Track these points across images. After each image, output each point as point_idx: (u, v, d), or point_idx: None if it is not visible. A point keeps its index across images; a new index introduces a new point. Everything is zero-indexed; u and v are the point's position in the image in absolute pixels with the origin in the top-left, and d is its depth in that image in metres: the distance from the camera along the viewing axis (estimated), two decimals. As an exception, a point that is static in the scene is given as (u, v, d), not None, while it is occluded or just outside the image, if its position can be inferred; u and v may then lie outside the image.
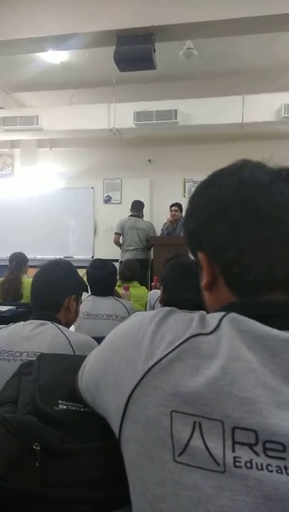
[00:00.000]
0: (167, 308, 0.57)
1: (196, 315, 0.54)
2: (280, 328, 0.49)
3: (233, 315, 0.52)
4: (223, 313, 0.53)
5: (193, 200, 0.64)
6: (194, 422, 0.46)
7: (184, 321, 0.54)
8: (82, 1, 3.75)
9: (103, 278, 2.41)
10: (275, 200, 0.55)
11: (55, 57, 5.03)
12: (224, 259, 0.57)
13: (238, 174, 0.58)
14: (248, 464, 0.43)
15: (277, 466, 0.42)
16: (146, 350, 0.52)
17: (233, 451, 0.44)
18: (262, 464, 0.43)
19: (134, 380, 0.51)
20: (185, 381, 0.48)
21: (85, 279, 2.09)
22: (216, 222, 0.58)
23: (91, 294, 2.41)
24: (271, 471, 0.42)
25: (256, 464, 0.43)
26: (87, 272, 2.38)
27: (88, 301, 2.33)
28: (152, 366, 0.50)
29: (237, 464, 0.43)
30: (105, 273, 2.43)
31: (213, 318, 0.53)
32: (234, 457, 0.43)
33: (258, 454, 0.43)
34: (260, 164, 0.61)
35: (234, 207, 0.56)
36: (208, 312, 0.63)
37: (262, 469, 0.42)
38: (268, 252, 0.54)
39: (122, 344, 0.56)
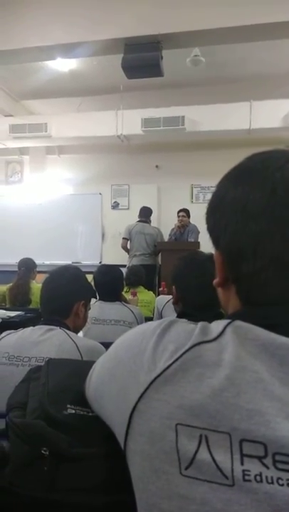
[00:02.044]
0: (170, 319, 0.57)
1: (199, 324, 0.54)
2: (288, 336, 0.48)
3: (239, 323, 0.50)
4: (227, 321, 0.52)
5: (220, 191, 0.58)
6: (200, 435, 0.45)
7: (186, 331, 0.53)
8: (90, 9, 3.80)
9: (109, 283, 2.41)
10: None
11: (63, 65, 5.09)
12: (238, 271, 0.55)
13: (273, 180, 0.52)
14: (258, 478, 0.42)
15: (288, 479, 0.41)
16: (149, 361, 0.51)
17: (242, 464, 0.43)
18: (272, 477, 0.41)
19: (137, 392, 0.50)
20: (190, 393, 0.47)
21: (92, 284, 2.09)
22: (237, 231, 0.54)
23: (98, 300, 2.42)
24: (282, 485, 0.41)
25: (266, 478, 0.42)
26: (93, 278, 2.39)
27: (96, 307, 2.34)
28: (155, 378, 0.49)
29: (246, 477, 0.42)
30: (111, 278, 2.43)
31: (217, 325, 0.52)
32: (243, 470, 0.42)
33: (267, 467, 0.42)
34: None
35: (260, 221, 0.52)
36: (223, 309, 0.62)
37: (272, 483, 0.41)
38: (285, 273, 0.51)
39: (125, 355, 0.56)
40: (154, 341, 0.53)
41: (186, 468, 0.44)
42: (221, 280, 0.59)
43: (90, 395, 0.63)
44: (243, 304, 0.56)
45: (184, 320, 0.57)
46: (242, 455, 0.43)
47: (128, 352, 0.55)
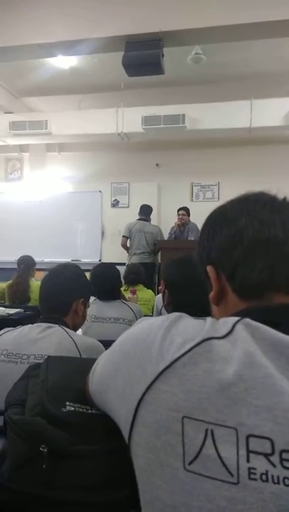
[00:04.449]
0: (177, 314, 0.58)
1: (208, 319, 0.55)
2: None
3: (248, 321, 0.51)
4: (236, 319, 0.52)
5: (205, 228, 0.68)
6: (206, 429, 0.44)
7: (194, 325, 0.54)
8: (91, 6, 3.79)
9: (106, 283, 2.41)
10: (273, 212, 0.61)
11: (64, 62, 5.07)
12: (230, 262, 0.60)
13: (245, 197, 0.65)
14: (264, 477, 0.41)
15: None
16: (157, 353, 0.52)
17: (248, 461, 0.42)
18: (278, 477, 0.41)
19: (144, 384, 0.50)
20: (198, 386, 0.47)
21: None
22: (222, 232, 0.62)
23: (98, 298, 2.42)
24: (288, 485, 0.41)
25: (272, 477, 0.41)
26: (90, 279, 2.37)
27: (95, 305, 2.34)
28: (164, 370, 0.49)
29: (252, 475, 0.42)
30: (108, 278, 2.42)
31: (226, 322, 0.53)
32: (249, 468, 0.42)
33: (274, 465, 0.41)
34: (266, 194, 0.66)
35: (238, 217, 0.62)
36: None
37: (278, 483, 0.41)
38: (268, 252, 0.58)
39: (132, 348, 0.56)
40: (162, 334, 0.54)
41: (190, 463, 0.44)
42: (216, 290, 0.62)
43: (93, 390, 0.63)
44: (241, 298, 0.59)
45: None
46: (248, 451, 0.43)
47: (135, 345, 0.56)
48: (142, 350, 0.54)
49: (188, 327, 0.54)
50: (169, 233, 5.75)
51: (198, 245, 0.69)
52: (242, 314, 0.54)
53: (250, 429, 0.43)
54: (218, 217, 0.65)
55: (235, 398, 0.45)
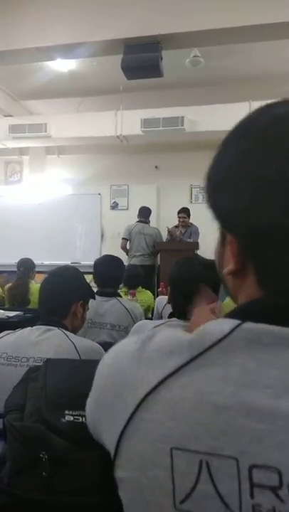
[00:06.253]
0: (150, 332, 0.49)
1: (197, 330, 0.44)
2: None
3: (249, 325, 0.41)
4: (236, 323, 0.41)
5: (228, 158, 0.49)
6: (201, 461, 0.37)
7: (172, 339, 0.45)
8: (90, 10, 3.80)
9: (109, 270, 2.43)
10: None
11: (63, 65, 5.09)
12: (264, 255, 0.43)
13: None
14: None
15: None
16: (134, 379, 0.44)
17: (252, 497, 0.36)
18: None
19: (125, 415, 0.43)
20: (187, 411, 0.39)
21: (92, 284, 2.09)
22: (260, 205, 0.42)
23: (96, 293, 2.40)
24: None
25: None
26: (94, 266, 2.44)
27: (92, 307, 2.31)
28: (145, 396, 0.42)
29: None
30: (111, 266, 2.45)
31: (221, 326, 0.42)
32: (253, 505, 0.35)
33: (282, 500, 0.35)
34: None
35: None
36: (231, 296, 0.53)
37: None
38: None
39: (106, 378, 0.49)
40: (136, 357, 0.46)
41: (182, 502, 0.38)
42: (234, 268, 0.47)
43: (88, 423, 0.56)
44: (265, 293, 0.44)
45: (169, 323, 0.53)
46: (252, 485, 0.36)
47: (109, 374, 0.49)
48: (115, 379, 0.47)
49: (166, 343, 0.45)
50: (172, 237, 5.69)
51: (208, 190, 0.51)
52: (247, 313, 0.43)
53: (252, 458, 0.36)
54: (259, 178, 0.43)
55: (234, 422, 0.37)
